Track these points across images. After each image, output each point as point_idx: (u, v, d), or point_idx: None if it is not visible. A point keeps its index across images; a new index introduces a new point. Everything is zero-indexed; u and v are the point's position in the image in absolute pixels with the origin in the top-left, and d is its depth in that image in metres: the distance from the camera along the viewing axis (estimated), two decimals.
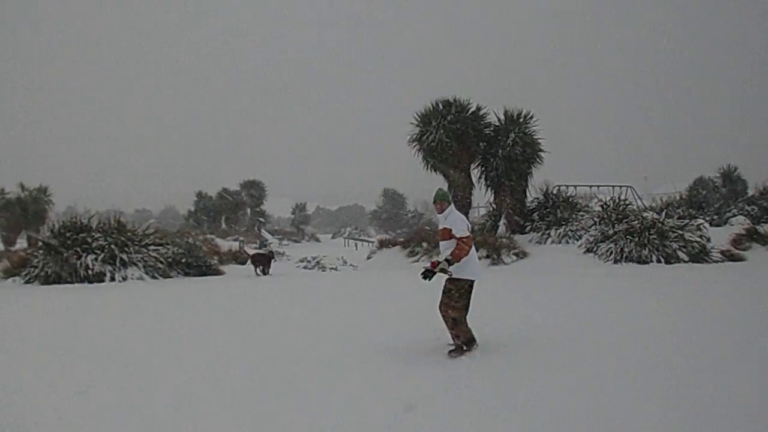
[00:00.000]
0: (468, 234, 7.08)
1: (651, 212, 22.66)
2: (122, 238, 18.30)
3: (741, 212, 28.93)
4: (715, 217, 27.91)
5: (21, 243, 35.62)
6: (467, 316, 7.19)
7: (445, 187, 25.30)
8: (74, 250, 17.44)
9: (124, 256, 17.77)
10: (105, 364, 6.85)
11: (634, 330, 8.31)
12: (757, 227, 22.65)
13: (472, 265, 7.16)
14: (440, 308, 7.18)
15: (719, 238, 21.77)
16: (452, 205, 7.39)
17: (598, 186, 35.88)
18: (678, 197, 32.08)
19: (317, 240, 72.57)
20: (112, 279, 17.16)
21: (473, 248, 7.19)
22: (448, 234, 7.13)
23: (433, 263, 7.05)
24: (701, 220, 22.22)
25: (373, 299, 12.54)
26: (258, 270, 18.75)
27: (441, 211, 7.32)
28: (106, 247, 17.74)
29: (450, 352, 7.09)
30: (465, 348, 7.06)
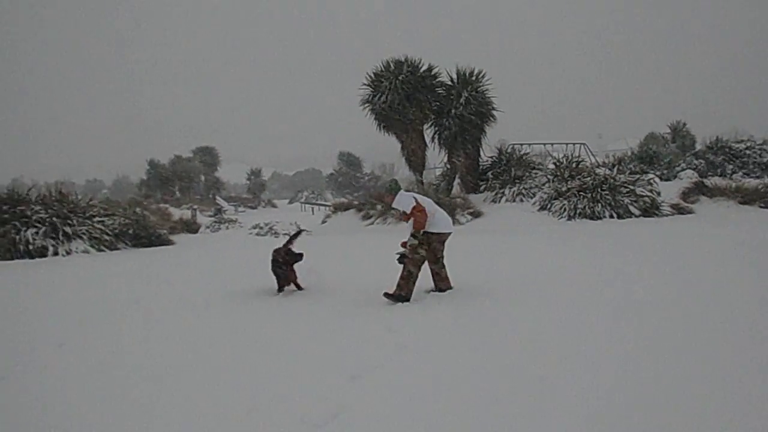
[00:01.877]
0: (414, 204, 7.60)
1: (603, 168, 22.81)
2: (65, 210, 17.59)
3: (689, 166, 29.38)
4: (665, 171, 28.24)
5: None
6: (446, 271, 8.01)
7: (398, 148, 25.10)
8: (12, 225, 16.69)
9: (68, 229, 17.08)
10: (32, 347, 6.45)
11: (587, 278, 8.25)
12: (704, 180, 22.99)
13: (438, 221, 7.78)
14: (406, 260, 7.59)
15: (669, 192, 22.06)
16: (400, 191, 7.94)
17: (552, 144, 36.13)
18: (630, 153, 32.43)
19: (274, 206, 71.88)
20: (56, 253, 16.49)
21: (435, 207, 7.92)
22: (405, 215, 7.75)
23: (402, 243, 7.75)
24: (652, 175, 22.44)
25: (324, 262, 12.27)
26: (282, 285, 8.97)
27: (390, 203, 7.96)
28: (47, 219, 17.03)
29: (386, 294, 7.55)
30: (401, 300, 7.50)
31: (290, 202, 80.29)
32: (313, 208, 54.20)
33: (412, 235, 7.61)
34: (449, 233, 7.93)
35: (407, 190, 8.62)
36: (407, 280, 7.55)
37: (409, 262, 7.56)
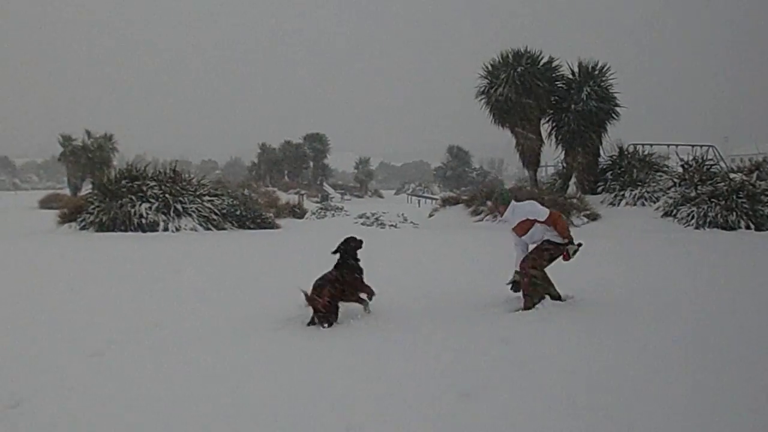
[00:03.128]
0: (548, 212, 6.92)
1: (738, 174, 20.88)
2: (177, 188, 17.97)
3: None
4: None
5: (87, 189, 36.25)
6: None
7: (513, 144, 24.10)
8: (129, 198, 17.19)
9: (179, 206, 17.43)
10: (133, 322, 6.20)
11: (719, 302, 7.18)
12: None
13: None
14: (523, 264, 6.95)
15: None
16: (512, 201, 7.15)
17: (677, 145, 33.79)
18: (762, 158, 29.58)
19: (380, 196, 72.09)
20: (166, 229, 16.88)
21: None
22: (529, 224, 6.96)
23: (565, 257, 6.86)
24: None
25: (430, 262, 11.65)
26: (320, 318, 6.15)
27: (503, 213, 7.17)
28: (161, 196, 17.43)
29: (521, 310, 6.77)
30: (534, 305, 6.77)
31: (396, 193, 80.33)
32: (419, 201, 53.73)
33: (568, 244, 6.83)
34: None
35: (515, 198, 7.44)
36: (535, 288, 6.86)
37: (534, 266, 6.85)
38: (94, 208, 17.28)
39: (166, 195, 17.46)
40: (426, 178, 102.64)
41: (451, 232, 18.00)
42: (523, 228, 7.00)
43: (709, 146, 32.46)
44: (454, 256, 12.26)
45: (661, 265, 10.74)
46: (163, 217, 17.08)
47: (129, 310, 6.83)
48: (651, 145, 30.11)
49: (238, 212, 18.46)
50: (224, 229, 17.82)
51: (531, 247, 7.08)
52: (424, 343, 5.54)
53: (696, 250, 13.07)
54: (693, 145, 32.56)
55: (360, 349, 5.32)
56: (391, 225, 21.25)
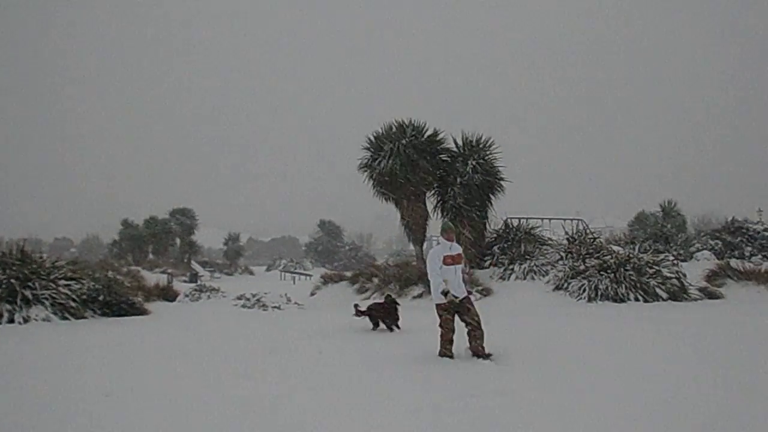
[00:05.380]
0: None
1: (618, 247, 21.27)
2: (26, 271, 15.37)
3: (705, 247, 27.93)
4: (681, 252, 26.76)
5: None
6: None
7: (398, 217, 23.47)
8: None
9: (28, 293, 14.84)
10: None
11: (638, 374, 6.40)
12: (730, 262, 21.36)
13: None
14: (479, 323, 8.43)
15: (690, 273, 20.52)
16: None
17: (550, 219, 34.71)
18: (642, 232, 31.02)
19: (251, 273, 69.46)
20: (11, 320, 14.20)
21: None
22: (460, 259, 8.62)
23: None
24: (671, 256, 20.89)
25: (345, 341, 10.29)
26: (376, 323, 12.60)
27: (451, 240, 8.62)
28: (5, 281, 14.80)
29: (487, 357, 8.26)
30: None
31: (268, 269, 77.84)
32: (294, 278, 52.03)
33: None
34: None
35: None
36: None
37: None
38: None
39: (11, 280, 14.86)
40: (296, 253, 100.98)
41: (342, 311, 16.64)
42: (458, 259, 8.57)
43: (579, 220, 33.56)
44: (362, 334, 10.93)
45: (575, 339, 10.02)
46: (8, 306, 14.43)
47: None
48: (527, 219, 30.61)
49: (101, 297, 16.10)
50: (84, 317, 15.37)
51: (457, 275, 8.48)
52: None
53: (594, 323, 12.61)
54: (564, 219, 33.55)
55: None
56: (275, 306, 19.51)
